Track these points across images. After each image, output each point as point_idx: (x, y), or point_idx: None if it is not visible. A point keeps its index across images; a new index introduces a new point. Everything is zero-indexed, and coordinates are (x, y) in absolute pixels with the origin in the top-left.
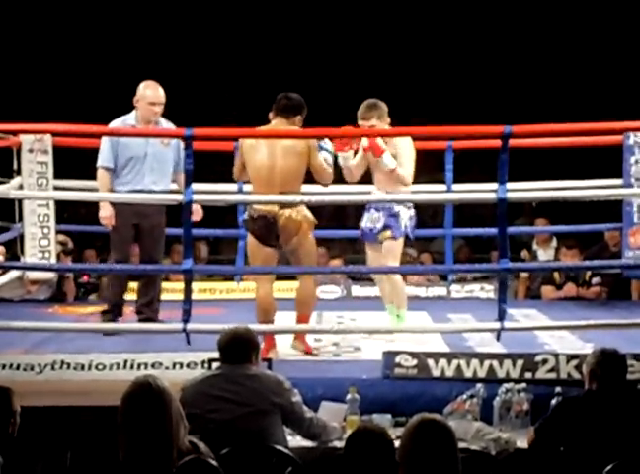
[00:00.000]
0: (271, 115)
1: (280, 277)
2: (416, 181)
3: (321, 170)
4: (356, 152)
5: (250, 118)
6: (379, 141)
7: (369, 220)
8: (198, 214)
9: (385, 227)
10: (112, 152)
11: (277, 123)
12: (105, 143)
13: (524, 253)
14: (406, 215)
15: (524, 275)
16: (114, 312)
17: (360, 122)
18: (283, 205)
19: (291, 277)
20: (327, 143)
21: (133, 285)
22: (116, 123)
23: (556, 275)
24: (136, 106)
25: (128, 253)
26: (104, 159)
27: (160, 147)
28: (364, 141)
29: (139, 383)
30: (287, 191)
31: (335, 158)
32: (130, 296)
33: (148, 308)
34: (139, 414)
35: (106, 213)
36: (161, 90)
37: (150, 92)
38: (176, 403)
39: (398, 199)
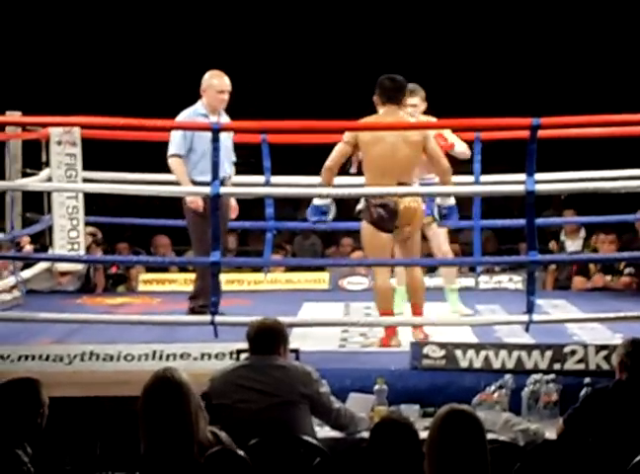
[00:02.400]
0: (375, 100)
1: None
2: None
3: (438, 157)
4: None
5: (272, 110)
6: (446, 134)
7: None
8: (235, 211)
9: (428, 213)
10: (184, 141)
11: (387, 112)
12: (177, 132)
13: (552, 243)
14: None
15: (553, 265)
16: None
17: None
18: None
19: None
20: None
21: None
22: (186, 113)
23: (591, 265)
24: (203, 95)
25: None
26: (177, 147)
27: (225, 137)
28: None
29: (158, 376)
30: (404, 181)
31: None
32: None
33: (193, 300)
34: (158, 406)
35: (192, 197)
36: (227, 78)
37: (217, 81)
38: (195, 395)
39: (425, 193)
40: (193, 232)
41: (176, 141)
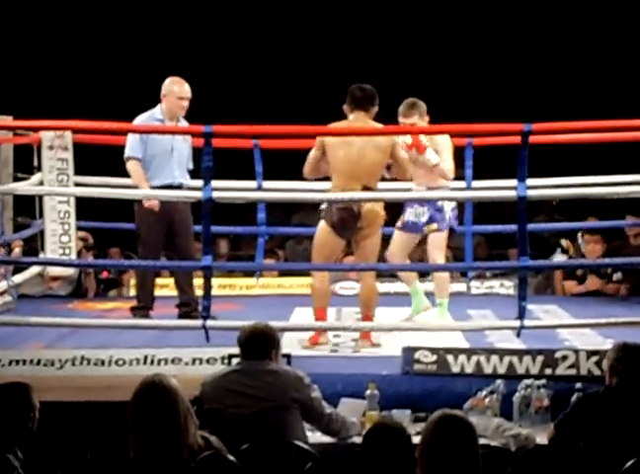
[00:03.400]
0: (345, 108)
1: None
2: None
3: (404, 165)
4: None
5: (264, 114)
6: (422, 138)
7: (413, 214)
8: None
9: (431, 220)
10: (141, 144)
11: (356, 118)
12: (133, 135)
13: (567, 243)
14: (449, 207)
15: (558, 271)
16: (145, 308)
17: (400, 120)
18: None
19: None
20: None
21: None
22: (143, 117)
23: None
24: (162, 101)
25: (159, 249)
26: (134, 150)
27: (181, 143)
28: (407, 139)
29: (146, 382)
30: (370, 185)
31: None
32: (165, 292)
33: (188, 304)
34: (148, 412)
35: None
36: (187, 85)
37: (178, 87)
38: (184, 400)
39: (417, 197)
40: (140, 233)
41: (133, 144)
